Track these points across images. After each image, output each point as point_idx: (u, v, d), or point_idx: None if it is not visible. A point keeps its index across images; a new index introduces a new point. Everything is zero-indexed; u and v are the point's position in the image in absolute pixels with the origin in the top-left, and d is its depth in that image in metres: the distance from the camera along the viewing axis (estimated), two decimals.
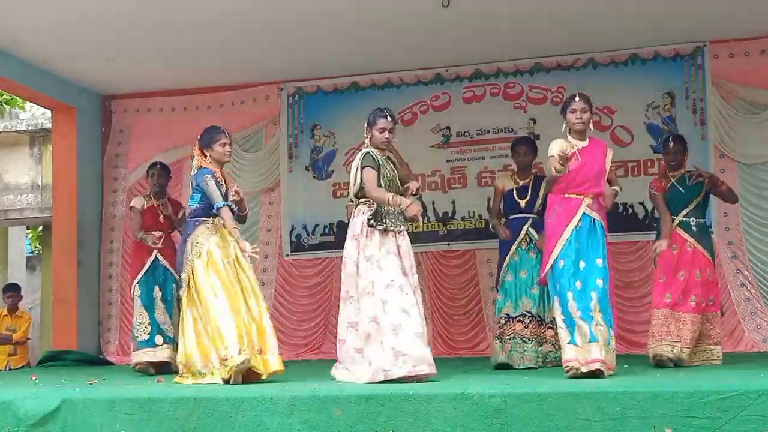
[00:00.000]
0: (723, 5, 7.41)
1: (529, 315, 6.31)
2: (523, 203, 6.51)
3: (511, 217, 6.59)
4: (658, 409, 3.70)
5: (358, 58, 8.57)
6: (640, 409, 3.72)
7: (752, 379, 4.30)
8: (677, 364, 5.95)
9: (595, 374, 4.91)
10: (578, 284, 5.11)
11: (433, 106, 8.87)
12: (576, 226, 5.23)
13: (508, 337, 6.30)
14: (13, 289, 9.89)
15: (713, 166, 7.90)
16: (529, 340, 6.27)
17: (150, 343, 6.92)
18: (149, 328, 6.95)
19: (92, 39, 7.92)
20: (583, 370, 4.92)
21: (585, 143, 5.45)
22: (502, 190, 6.68)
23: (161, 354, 6.89)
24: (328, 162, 9.05)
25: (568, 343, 5.03)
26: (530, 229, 6.43)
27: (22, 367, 9.36)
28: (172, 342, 6.82)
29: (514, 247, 6.46)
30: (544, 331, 6.30)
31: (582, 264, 5.16)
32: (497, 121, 8.66)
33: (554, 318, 5.37)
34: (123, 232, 9.33)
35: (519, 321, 6.31)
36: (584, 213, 5.26)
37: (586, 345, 4.98)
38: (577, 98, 5.46)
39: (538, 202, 6.45)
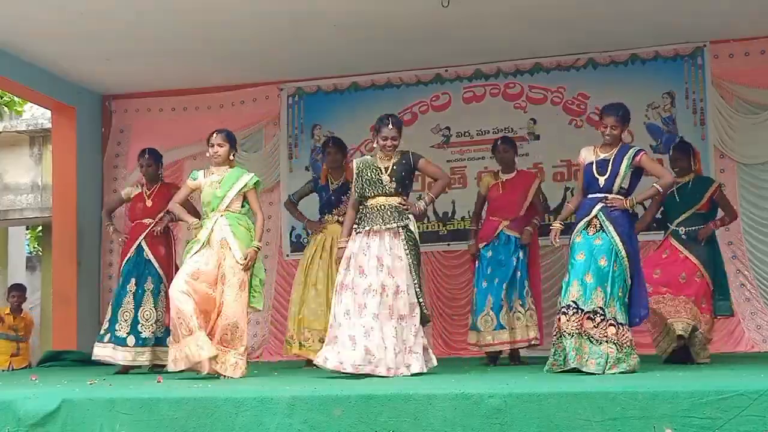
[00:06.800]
0: (723, 5, 7.41)
1: None
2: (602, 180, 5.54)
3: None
4: (658, 409, 3.70)
5: (358, 58, 8.57)
6: (640, 409, 3.72)
7: (752, 379, 4.30)
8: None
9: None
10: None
11: (433, 106, 8.87)
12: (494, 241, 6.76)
13: None
14: (18, 289, 9.94)
15: (713, 166, 7.91)
16: None
17: (100, 338, 6.91)
18: (107, 324, 6.91)
19: (92, 39, 7.92)
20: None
21: (511, 175, 6.88)
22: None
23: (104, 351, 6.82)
24: None
25: None
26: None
27: (25, 367, 9.38)
28: (121, 342, 6.75)
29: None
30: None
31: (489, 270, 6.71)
32: (497, 121, 8.65)
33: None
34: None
35: None
36: (501, 231, 6.72)
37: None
38: (499, 142, 6.92)
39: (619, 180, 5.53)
